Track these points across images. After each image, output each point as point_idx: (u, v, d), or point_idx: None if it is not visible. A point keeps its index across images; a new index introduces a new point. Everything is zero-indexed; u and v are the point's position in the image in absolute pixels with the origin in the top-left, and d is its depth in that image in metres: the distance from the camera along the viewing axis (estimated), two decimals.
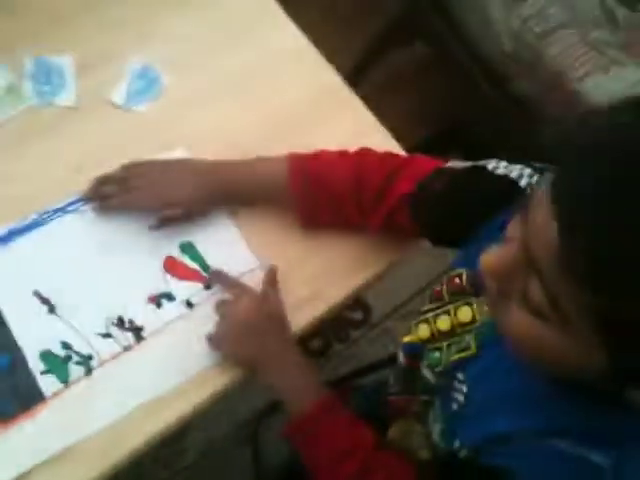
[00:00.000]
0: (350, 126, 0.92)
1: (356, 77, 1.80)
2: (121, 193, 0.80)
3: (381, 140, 0.90)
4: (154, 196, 0.80)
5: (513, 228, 0.48)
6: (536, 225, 0.43)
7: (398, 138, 0.91)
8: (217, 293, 0.80)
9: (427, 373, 0.71)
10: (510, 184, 0.64)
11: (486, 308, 0.63)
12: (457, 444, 0.62)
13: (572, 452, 0.51)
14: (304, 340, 1.47)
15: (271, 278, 0.79)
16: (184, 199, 0.80)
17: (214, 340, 0.76)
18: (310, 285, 0.82)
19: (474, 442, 0.60)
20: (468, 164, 0.71)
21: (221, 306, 0.77)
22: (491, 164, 0.68)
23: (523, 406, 0.57)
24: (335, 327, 1.51)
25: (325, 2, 1.95)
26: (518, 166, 0.65)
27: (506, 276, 0.47)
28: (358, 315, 1.57)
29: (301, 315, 0.80)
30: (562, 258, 0.40)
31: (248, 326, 0.74)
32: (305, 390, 0.73)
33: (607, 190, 0.39)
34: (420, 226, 0.75)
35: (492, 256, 0.49)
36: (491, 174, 0.66)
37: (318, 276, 0.83)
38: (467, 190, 0.70)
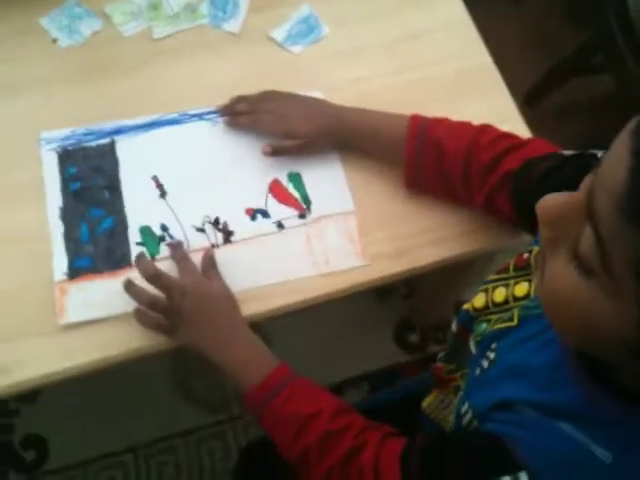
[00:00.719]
0: (490, 109, 0.92)
1: (533, 98, 1.77)
2: (251, 113, 0.86)
3: (517, 130, 0.89)
4: (278, 123, 0.85)
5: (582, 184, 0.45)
6: (607, 165, 0.39)
7: None
8: (310, 224, 0.83)
9: (472, 347, 0.69)
10: None
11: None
12: (465, 407, 0.61)
13: (576, 438, 0.49)
14: (402, 331, 1.48)
15: (210, 260, 0.79)
16: (304, 134, 0.84)
17: (167, 330, 0.76)
18: (396, 243, 0.84)
19: (481, 407, 0.59)
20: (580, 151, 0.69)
21: (162, 280, 0.76)
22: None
23: (541, 381, 0.55)
24: (435, 327, 1.49)
25: (523, 19, 1.94)
26: None
27: (561, 224, 0.44)
28: None
29: (377, 267, 0.82)
30: (627, 200, 0.37)
31: (201, 310, 0.74)
32: (259, 362, 0.72)
33: None
34: (515, 208, 0.74)
35: (551, 201, 0.45)
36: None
37: (406, 238, 0.84)
38: (565, 173, 0.67)
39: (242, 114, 0.87)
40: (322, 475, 0.65)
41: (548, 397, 0.53)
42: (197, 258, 0.80)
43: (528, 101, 1.77)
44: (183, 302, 0.74)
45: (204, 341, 0.74)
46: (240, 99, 0.89)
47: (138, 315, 0.76)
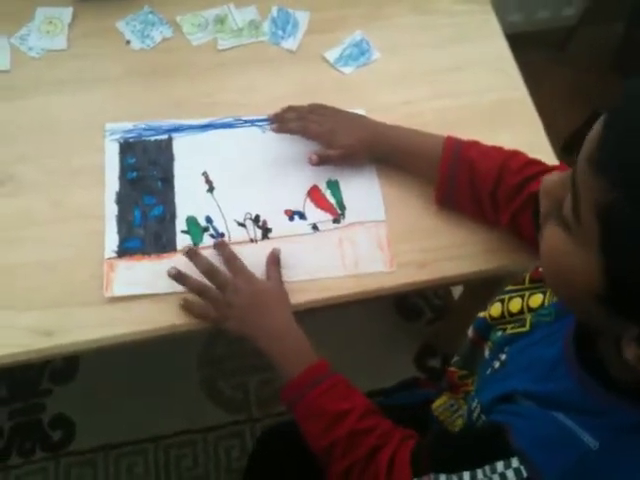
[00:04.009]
0: (523, 141, 0.96)
1: (572, 144, 1.80)
2: (300, 121, 0.93)
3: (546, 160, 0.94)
4: (324, 133, 0.91)
5: None
6: (587, 139, 0.46)
7: None
8: (342, 229, 0.89)
9: (487, 353, 0.73)
10: None
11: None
12: (475, 403, 0.65)
13: (566, 425, 0.53)
14: (424, 354, 1.51)
15: (274, 258, 0.85)
16: (346, 145, 0.91)
17: (218, 314, 0.81)
18: (423, 255, 0.88)
19: (489, 400, 0.63)
20: None
21: (217, 276, 0.82)
22: None
23: (541, 374, 0.59)
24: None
25: (567, 67, 1.98)
26: None
27: (556, 194, 0.50)
28: None
29: (402, 275, 0.87)
30: (596, 153, 0.43)
31: (252, 305, 0.80)
32: (301, 356, 0.77)
33: None
34: (536, 227, 0.78)
35: (549, 177, 0.52)
36: None
37: (432, 251, 0.89)
38: None
39: (291, 121, 0.94)
40: (343, 469, 0.70)
41: (545, 388, 0.57)
42: (236, 250, 0.86)
43: (566, 148, 1.81)
44: (235, 297, 0.80)
45: (251, 332, 0.79)
46: (290, 109, 0.96)
47: (186, 303, 0.82)
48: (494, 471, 0.55)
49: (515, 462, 0.54)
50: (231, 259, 0.84)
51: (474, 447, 0.60)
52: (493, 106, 1.01)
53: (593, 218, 0.43)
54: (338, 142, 0.91)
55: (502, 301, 0.73)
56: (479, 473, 0.56)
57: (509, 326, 0.71)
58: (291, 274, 0.86)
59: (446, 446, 0.64)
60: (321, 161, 0.92)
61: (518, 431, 0.54)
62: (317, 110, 0.94)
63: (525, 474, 0.53)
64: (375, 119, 0.94)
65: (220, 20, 1.07)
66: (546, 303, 0.67)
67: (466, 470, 0.57)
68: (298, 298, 0.85)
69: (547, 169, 0.81)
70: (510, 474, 0.54)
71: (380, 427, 0.70)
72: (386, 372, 1.27)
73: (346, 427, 0.70)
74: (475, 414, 0.65)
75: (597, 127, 0.45)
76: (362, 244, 0.88)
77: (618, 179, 0.41)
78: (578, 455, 0.51)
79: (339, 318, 1.45)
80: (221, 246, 0.85)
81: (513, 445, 0.54)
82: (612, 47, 2.01)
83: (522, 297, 0.71)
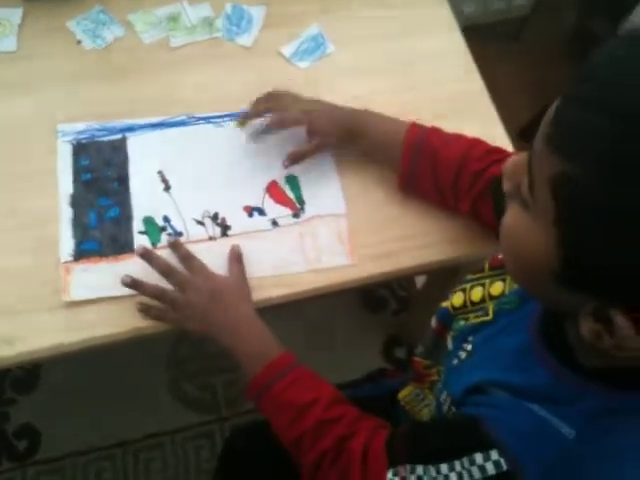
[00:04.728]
0: (479, 130, 0.97)
1: (527, 133, 1.83)
2: (275, 109, 0.90)
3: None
4: (302, 118, 0.88)
5: None
6: (545, 117, 0.46)
7: None
8: (302, 223, 0.89)
9: (450, 342, 0.74)
10: None
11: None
12: (444, 395, 0.65)
13: (542, 416, 0.53)
14: (390, 345, 1.52)
15: (235, 255, 0.84)
16: (326, 132, 0.89)
17: (178, 315, 0.80)
18: (385, 246, 0.89)
19: (457, 393, 0.63)
20: None
21: (175, 276, 0.81)
22: None
23: (510, 363, 0.59)
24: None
25: (521, 57, 2.01)
26: None
27: (516, 176, 0.51)
28: None
29: (364, 267, 0.87)
30: (551, 130, 0.44)
31: (212, 303, 0.79)
32: (264, 350, 0.76)
33: (608, 71, 0.43)
34: (496, 213, 0.78)
35: (510, 160, 0.53)
36: None
37: (394, 241, 0.89)
38: None
39: (265, 113, 0.91)
40: (314, 460, 0.69)
41: (517, 379, 0.57)
42: (195, 248, 0.85)
43: (522, 136, 1.83)
44: (194, 296, 0.79)
45: (213, 330, 0.79)
46: (259, 101, 0.93)
47: (142, 307, 0.81)
48: (472, 463, 0.54)
49: (494, 454, 0.53)
50: (187, 258, 0.83)
51: (450, 439, 0.59)
52: (449, 97, 1.02)
53: (547, 193, 0.44)
54: (319, 127, 0.89)
55: (464, 290, 0.73)
56: (457, 465, 0.56)
57: (471, 315, 0.71)
58: (253, 270, 0.85)
59: (421, 437, 0.63)
60: (295, 160, 0.90)
61: (495, 423, 0.55)
62: (277, 97, 0.92)
63: (505, 467, 0.53)
64: None
65: (173, 18, 1.06)
66: (506, 291, 0.68)
67: (443, 462, 0.57)
68: (260, 294, 0.84)
69: (507, 156, 0.81)
70: (489, 466, 0.53)
71: (348, 416, 0.70)
72: (354, 365, 1.27)
73: (313, 418, 0.69)
74: (446, 406, 0.65)
75: (552, 108, 0.45)
76: (322, 238, 0.88)
77: (570, 152, 0.42)
78: (558, 447, 0.52)
79: (304, 312, 1.46)
80: (175, 246, 0.84)
81: (493, 437, 0.54)
82: (564, 36, 2.05)
83: (483, 285, 0.71)
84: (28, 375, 1.48)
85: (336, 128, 0.89)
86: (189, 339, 1.53)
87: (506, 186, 0.53)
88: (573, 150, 0.42)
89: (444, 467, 0.56)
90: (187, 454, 1.42)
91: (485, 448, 0.54)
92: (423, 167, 0.84)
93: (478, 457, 0.54)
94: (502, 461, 0.53)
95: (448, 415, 0.65)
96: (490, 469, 0.53)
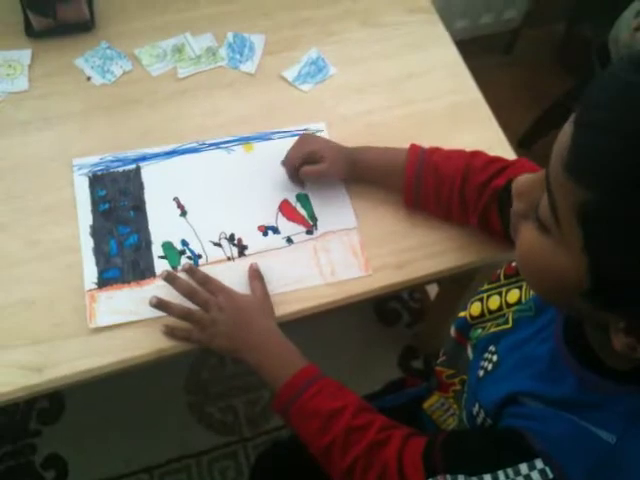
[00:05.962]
0: (480, 139, 1.01)
1: (527, 141, 1.87)
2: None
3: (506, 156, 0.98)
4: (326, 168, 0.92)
5: None
6: (558, 140, 0.46)
7: None
8: (316, 239, 0.92)
9: (470, 351, 0.75)
10: None
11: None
12: (476, 407, 0.66)
13: (581, 424, 0.54)
14: (406, 357, 1.54)
15: (256, 273, 0.87)
16: (334, 171, 0.93)
17: (204, 334, 0.82)
18: (397, 256, 0.91)
19: (491, 404, 0.63)
20: None
21: (198, 296, 0.83)
22: None
23: (542, 373, 0.59)
24: (438, 354, 1.54)
25: (514, 68, 2.05)
26: None
27: (529, 196, 0.50)
28: None
29: (378, 278, 0.90)
30: (567, 157, 0.43)
31: (237, 320, 0.81)
32: (288, 363, 0.78)
33: (618, 96, 0.42)
34: (503, 222, 0.81)
35: (522, 178, 0.52)
36: None
37: (406, 251, 0.92)
38: None
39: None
40: (346, 467, 0.69)
41: (550, 390, 0.57)
42: (215, 269, 0.88)
43: (522, 144, 1.87)
44: (219, 315, 0.81)
45: (239, 346, 0.81)
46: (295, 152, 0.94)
47: (167, 329, 0.83)
48: (518, 473, 0.54)
49: (539, 463, 0.54)
50: (205, 281, 0.85)
51: (492, 449, 0.59)
52: (450, 110, 1.05)
53: (573, 221, 0.44)
54: (333, 172, 0.93)
55: (481, 300, 0.75)
56: (501, 475, 0.55)
57: (489, 324, 0.72)
58: (271, 287, 0.88)
59: (462, 447, 0.63)
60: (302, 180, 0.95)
61: (538, 436, 0.55)
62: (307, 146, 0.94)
63: (551, 475, 0.53)
64: (337, 133, 0.98)
65: (178, 49, 1.10)
66: (523, 298, 0.69)
67: (486, 472, 0.56)
68: (279, 310, 0.87)
69: (509, 164, 0.84)
70: (535, 475, 0.54)
71: (376, 423, 0.70)
72: (372, 377, 1.29)
73: (342, 424, 0.70)
74: (480, 419, 0.65)
75: (566, 129, 0.45)
76: (336, 252, 0.91)
77: (593, 181, 0.42)
78: (599, 453, 0.52)
79: (320, 328, 1.47)
80: (192, 271, 0.86)
81: (537, 447, 0.54)
82: (555, 46, 2.09)
83: (500, 294, 0.73)
84: (52, 405, 1.50)
85: (340, 165, 0.92)
86: (208, 363, 1.55)
87: (518, 206, 0.52)
88: (595, 179, 0.42)
89: (487, 477, 0.56)
90: (213, 475, 1.43)
91: (529, 458, 0.54)
92: (427, 183, 0.87)
93: (523, 467, 0.54)
94: (547, 469, 0.53)
95: (485, 427, 0.65)
96: (536, 478, 0.54)
